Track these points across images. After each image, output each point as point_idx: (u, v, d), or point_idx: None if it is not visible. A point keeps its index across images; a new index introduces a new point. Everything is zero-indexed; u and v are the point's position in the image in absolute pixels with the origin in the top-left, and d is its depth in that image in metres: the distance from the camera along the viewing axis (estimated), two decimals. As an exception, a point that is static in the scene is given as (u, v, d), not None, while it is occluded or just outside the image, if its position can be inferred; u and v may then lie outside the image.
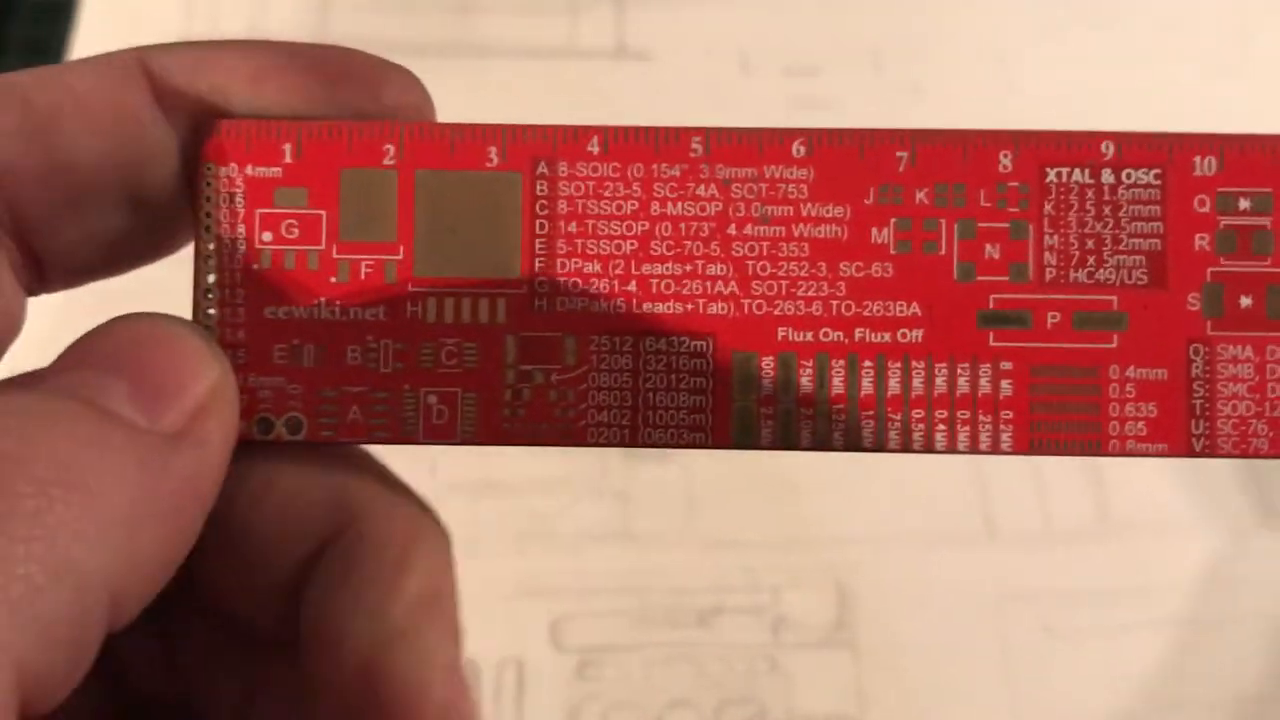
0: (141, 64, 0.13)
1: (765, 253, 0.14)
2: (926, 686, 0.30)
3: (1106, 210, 0.14)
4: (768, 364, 0.14)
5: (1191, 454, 0.14)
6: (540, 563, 0.31)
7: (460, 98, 0.37)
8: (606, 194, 0.14)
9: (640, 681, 0.30)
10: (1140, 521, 0.32)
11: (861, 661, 0.30)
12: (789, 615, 0.30)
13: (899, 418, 0.14)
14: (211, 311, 0.14)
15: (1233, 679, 0.30)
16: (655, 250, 0.14)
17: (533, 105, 0.36)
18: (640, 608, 0.30)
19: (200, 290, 0.14)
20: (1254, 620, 0.31)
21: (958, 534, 0.31)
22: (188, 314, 0.14)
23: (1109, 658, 0.30)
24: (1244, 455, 0.14)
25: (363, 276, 0.14)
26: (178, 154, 0.14)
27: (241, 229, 0.14)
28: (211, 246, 0.14)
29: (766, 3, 0.38)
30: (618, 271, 0.14)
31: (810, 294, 0.14)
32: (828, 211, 0.14)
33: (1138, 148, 0.14)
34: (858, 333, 0.14)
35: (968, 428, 0.14)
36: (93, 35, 0.35)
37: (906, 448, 0.14)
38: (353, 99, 0.14)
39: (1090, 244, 0.14)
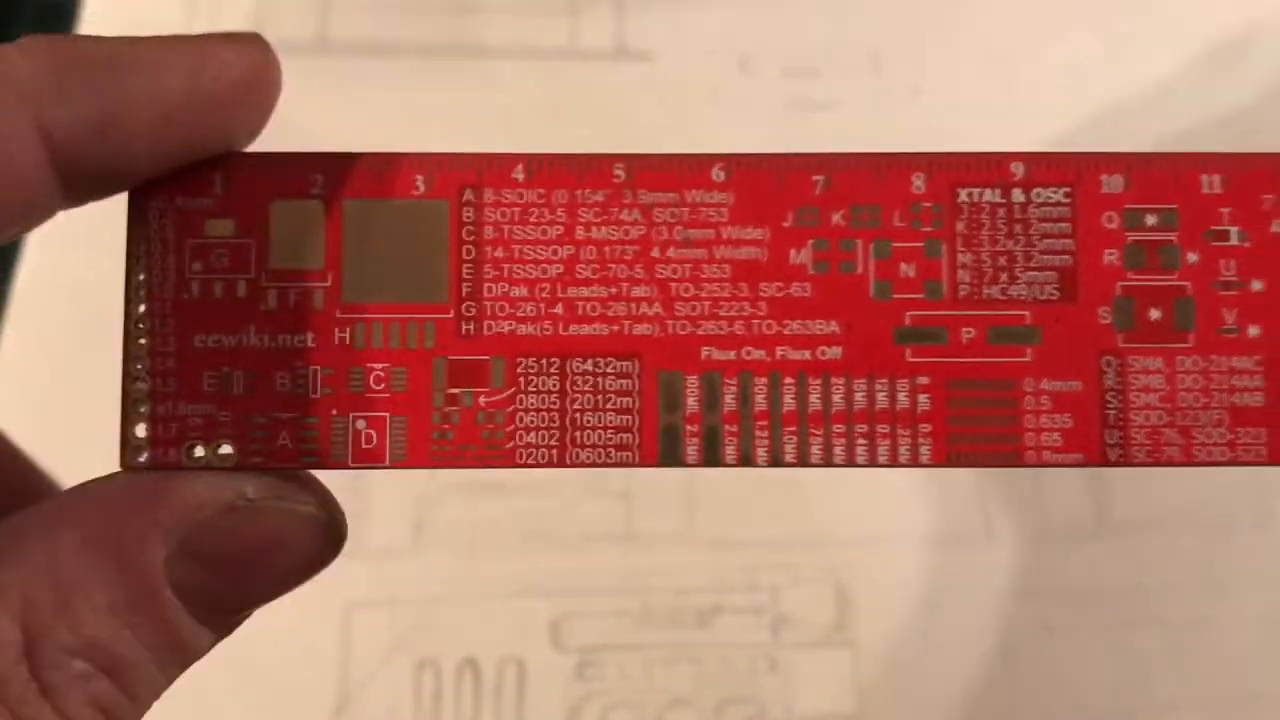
0: (37, 123, 0.13)
1: (688, 274, 0.14)
2: (926, 686, 0.30)
3: (1018, 228, 0.14)
4: (692, 383, 0.14)
5: (1106, 463, 0.14)
6: (540, 563, 0.31)
7: (460, 98, 0.37)
8: (532, 220, 0.14)
9: (640, 681, 0.30)
10: (1139, 521, 0.32)
11: (861, 661, 0.30)
12: (789, 615, 0.30)
13: (820, 433, 0.14)
14: (142, 341, 0.14)
15: (1232, 678, 0.30)
16: (580, 274, 0.14)
17: (533, 105, 0.36)
18: (640, 608, 0.30)
19: (131, 320, 0.14)
20: (1253, 619, 0.31)
21: (958, 534, 0.31)
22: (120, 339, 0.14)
23: (1109, 657, 0.30)
24: (1157, 464, 0.14)
25: (291, 304, 0.14)
26: (61, 200, 0.14)
27: (172, 259, 0.14)
28: (141, 277, 0.14)
29: (766, 3, 0.38)
30: (544, 295, 0.14)
31: (732, 314, 0.14)
32: (747, 234, 0.14)
33: (1046, 167, 0.14)
34: (779, 351, 0.14)
35: (887, 441, 0.14)
36: (93, 36, 0.35)
37: (828, 462, 0.14)
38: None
39: (1003, 261, 0.14)
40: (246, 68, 0.13)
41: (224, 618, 0.14)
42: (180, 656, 0.13)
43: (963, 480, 0.32)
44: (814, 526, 0.32)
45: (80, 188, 0.13)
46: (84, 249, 0.32)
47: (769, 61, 0.37)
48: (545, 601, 0.31)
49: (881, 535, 0.32)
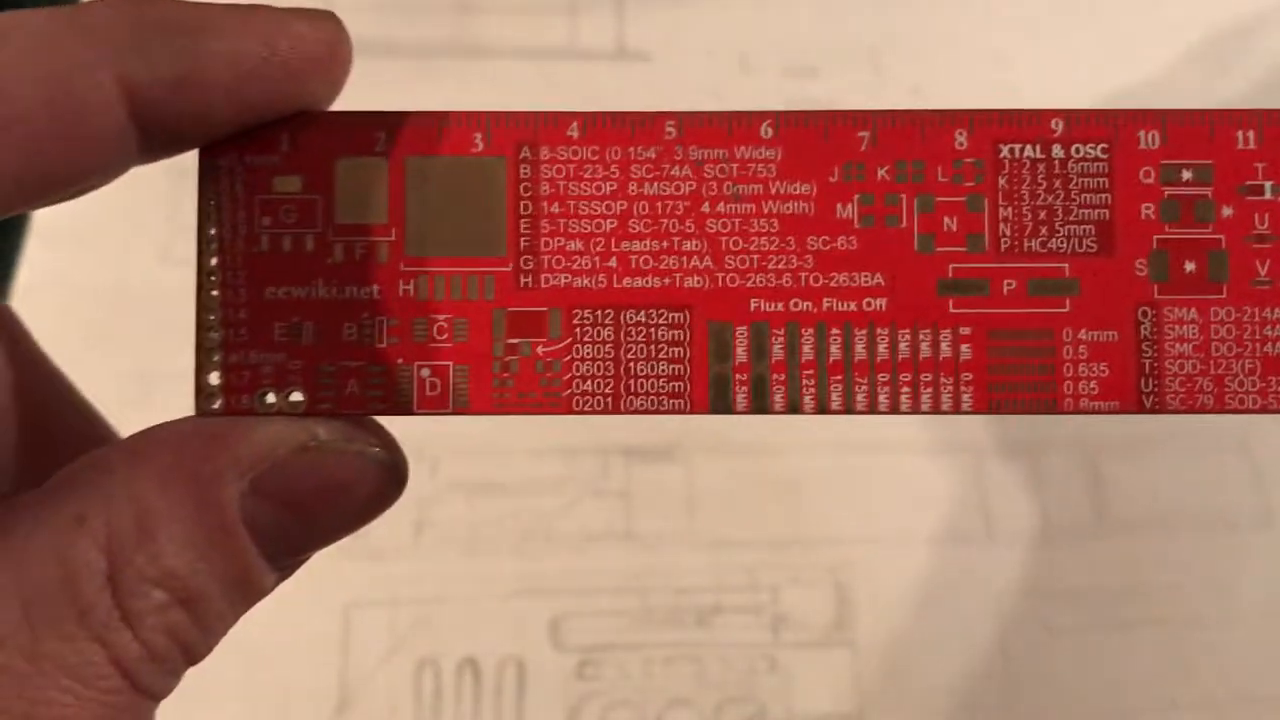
0: (118, 77, 0.13)
1: (737, 229, 0.15)
2: (926, 686, 0.30)
3: (1057, 183, 0.15)
4: (741, 333, 0.15)
5: (1142, 410, 0.15)
6: (540, 563, 0.31)
7: (460, 98, 0.37)
8: (586, 176, 0.15)
9: (640, 681, 0.30)
10: (1139, 521, 0.32)
11: (861, 661, 0.30)
12: (789, 615, 0.31)
13: (865, 381, 0.15)
14: (214, 293, 0.15)
15: (1232, 678, 0.30)
16: (634, 228, 0.15)
17: (533, 106, 0.36)
18: (640, 608, 0.31)
19: (204, 273, 0.15)
20: (1253, 619, 0.31)
21: (957, 534, 0.32)
22: (193, 294, 0.15)
23: (1109, 657, 0.30)
24: (1191, 411, 0.15)
25: (357, 257, 0.15)
26: (136, 155, 0.14)
27: (241, 214, 0.15)
28: (213, 232, 0.15)
29: (766, 3, 0.38)
30: (598, 249, 0.15)
31: (780, 267, 0.15)
32: (795, 189, 0.15)
33: (1085, 124, 0.15)
34: (825, 302, 0.15)
35: (930, 390, 0.15)
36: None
37: (873, 409, 0.15)
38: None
39: (1042, 215, 0.15)
40: (321, 41, 0.14)
41: (288, 558, 0.14)
42: (247, 593, 0.14)
43: (963, 480, 0.32)
44: (814, 526, 0.32)
45: (155, 142, 0.14)
46: (83, 249, 0.32)
47: (769, 61, 0.37)
48: (545, 601, 0.31)
49: (881, 535, 0.32)
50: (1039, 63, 0.37)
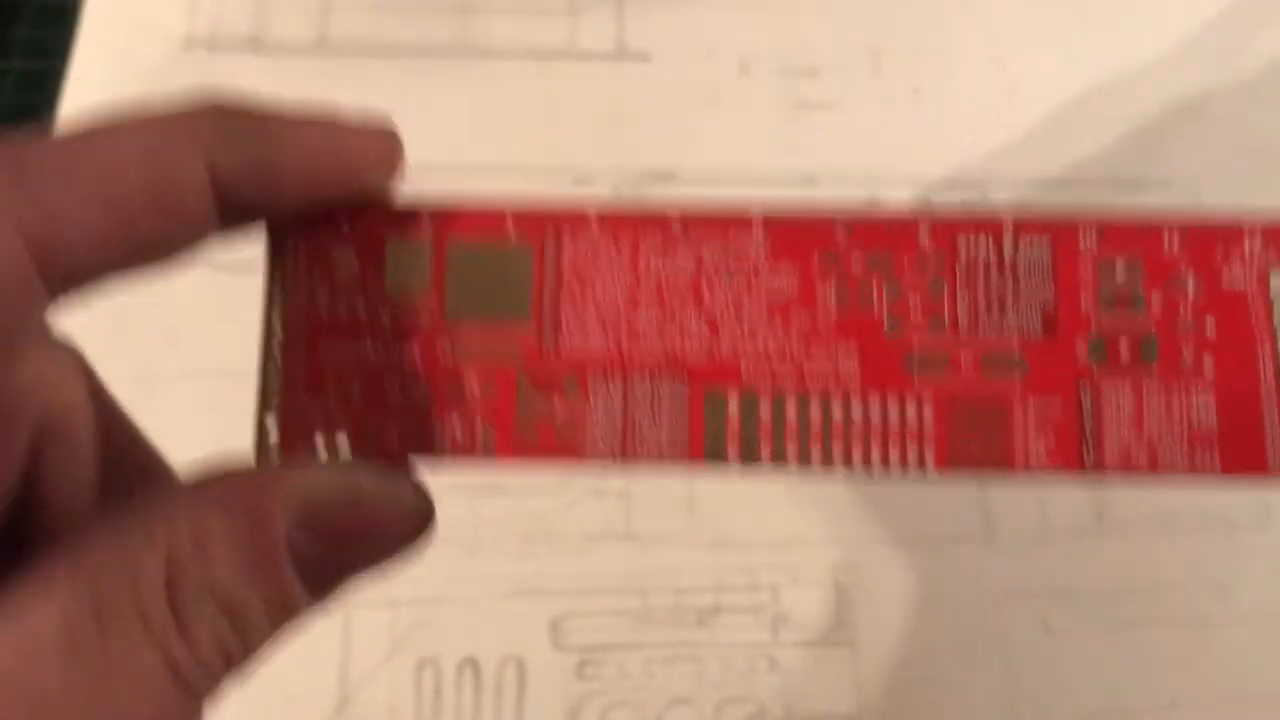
0: (207, 165, 0.16)
1: (731, 307, 0.17)
2: (926, 686, 0.30)
3: (1008, 274, 0.17)
4: (733, 398, 0.17)
5: (1084, 472, 0.17)
6: (540, 563, 0.31)
7: (461, 98, 0.38)
8: (602, 258, 0.17)
9: (640, 681, 0.30)
10: (1139, 521, 0.32)
11: (861, 661, 0.30)
12: (788, 614, 0.31)
13: (841, 443, 0.17)
14: (276, 350, 0.17)
15: (1232, 678, 0.31)
16: (641, 304, 0.17)
17: (533, 106, 0.36)
18: (640, 608, 0.31)
19: (268, 332, 0.17)
20: (1253, 619, 0.31)
21: (957, 534, 0.32)
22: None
23: (1109, 657, 0.30)
24: (1126, 473, 0.17)
25: (402, 324, 0.17)
26: (217, 229, 0.17)
27: (303, 283, 0.17)
28: (277, 297, 0.17)
29: (766, 4, 0.38)
30: (611, 321, 0.17)
31: (768, 341, 0.17)
32: (781, 275, 0.17)
33: (1032, 223, 0.17)
34: (807, 373, 0.17)
35: (898, 451, 0.17)
36: (95, 38, 0.35)
37: (849, 467, 0.17)
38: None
39: (995, 301, 0.17)
40: (375, 145, 0.17)
41: (324, 587, 0.17)
42: (284, 613, 0.16)
43: (963, 480, 0.32)
44: (814, 526, 0.32)
45: (233, 220, 0.17)
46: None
47: (769, 61, 0.37)
48: (545, 601, 0.31)
49: (881, 535, 0.32)
50: (1039, 64, 0.37)
